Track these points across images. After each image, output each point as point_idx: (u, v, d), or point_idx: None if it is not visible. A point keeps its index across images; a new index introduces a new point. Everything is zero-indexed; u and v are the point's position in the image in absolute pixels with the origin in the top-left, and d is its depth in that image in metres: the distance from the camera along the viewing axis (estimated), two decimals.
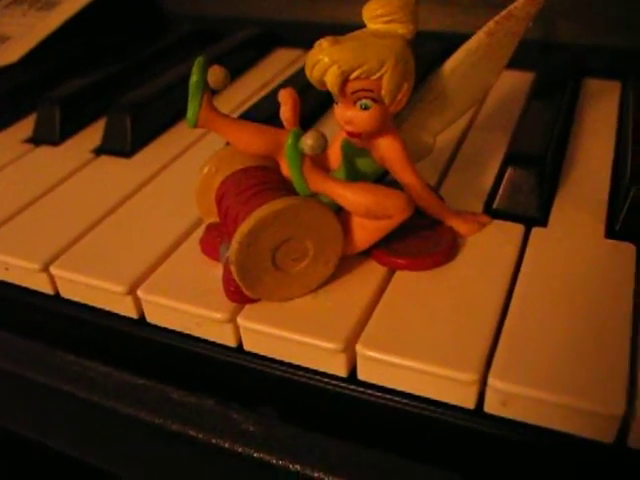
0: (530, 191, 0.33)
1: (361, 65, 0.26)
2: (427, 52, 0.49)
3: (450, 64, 0.30)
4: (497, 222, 0.33)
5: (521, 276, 0.29)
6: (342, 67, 0.26)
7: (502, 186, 0.33)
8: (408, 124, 0.31)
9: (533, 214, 0.33)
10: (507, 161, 0.34)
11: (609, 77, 0.49)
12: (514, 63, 0.49)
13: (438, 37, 0.49)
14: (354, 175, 0.30)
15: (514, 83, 0.47)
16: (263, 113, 0.42)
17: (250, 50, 0.58)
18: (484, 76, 0.30)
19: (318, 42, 0.26)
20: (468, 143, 0.41)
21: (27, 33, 0.54)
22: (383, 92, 0.26)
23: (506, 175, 0.34)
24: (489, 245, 0.31)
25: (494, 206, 0.34)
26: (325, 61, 0.26)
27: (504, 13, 0.29)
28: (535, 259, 0.30)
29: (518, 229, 0.32)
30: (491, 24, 0.29)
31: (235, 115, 0.45)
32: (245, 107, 0.48)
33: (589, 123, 0.43)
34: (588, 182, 0.36)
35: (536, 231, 0.32)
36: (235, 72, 0.55)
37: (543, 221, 0.33)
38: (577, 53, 0.49)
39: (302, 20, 0.58)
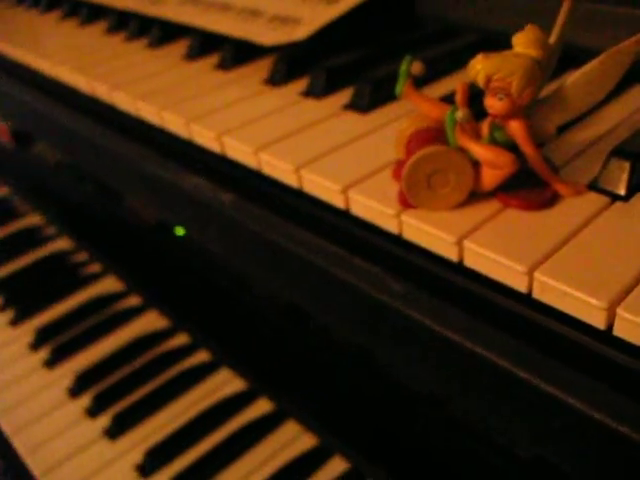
0: (622, 176, 0.47)
1: (498, 72, 0.42)
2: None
3: (571, 79, 0.45)
4: (592, 193, 0.47)
5: (589, 225, 0.44)
6: (487, 72, 0.42)
7: (603, 169, 0.48)
8: (536, 115, 0.46)
9: (620, 193, 0.47)
10: (611, 152, 0.47)
11: None
12: None
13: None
14: (494, 142, 0.47)
15: None
16: None
17: (465, 53, 0.75)
18: (594, 92, 0.45)
19: (476, 55, 0.43)
20: (608, 137, 0.54)
21: (315, 18, 0.76)
22: (512, 91, 0.42)
23: (609, 162, 0.48)
24: (578, 205, 0.46)
25: (594, 182, 0.48)
26: (477, 67, 0.42)
27: (614, 49, 0.43)
28: (604, 216, 0.45)
29: (604, 200, 0.46)
30: (603, 56, 0.44)
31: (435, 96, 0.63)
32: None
33: None
34: None
35: (616, 204, 0.46)
36: (447, 69, 0.73)
37: (627, 200, 0.47)
38: None
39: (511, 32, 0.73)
